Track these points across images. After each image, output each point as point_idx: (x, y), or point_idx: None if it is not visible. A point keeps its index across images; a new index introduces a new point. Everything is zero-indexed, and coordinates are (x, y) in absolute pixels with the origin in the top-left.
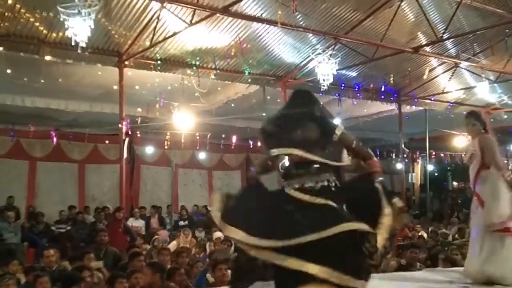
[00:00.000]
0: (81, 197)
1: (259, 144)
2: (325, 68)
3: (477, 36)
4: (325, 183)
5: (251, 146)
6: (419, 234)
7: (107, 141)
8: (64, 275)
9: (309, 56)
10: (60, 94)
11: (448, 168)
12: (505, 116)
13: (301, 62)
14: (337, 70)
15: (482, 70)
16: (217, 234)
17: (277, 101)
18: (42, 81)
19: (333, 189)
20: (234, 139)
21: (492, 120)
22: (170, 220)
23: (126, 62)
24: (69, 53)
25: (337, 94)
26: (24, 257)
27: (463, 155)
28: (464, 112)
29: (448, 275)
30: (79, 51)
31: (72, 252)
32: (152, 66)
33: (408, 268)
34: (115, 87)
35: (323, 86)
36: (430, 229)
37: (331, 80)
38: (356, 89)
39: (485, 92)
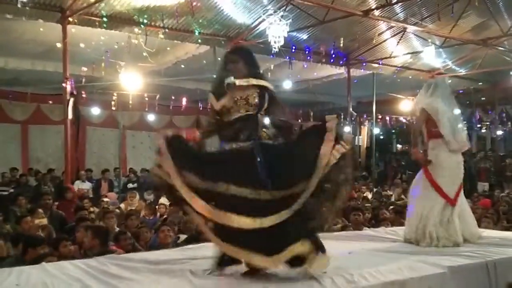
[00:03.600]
0: (25, 159)
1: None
2: (276, 29)
3: (425, 1)
4: None
5: (201, 108)
6: (364, 195)
7: (50, 101)
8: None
9: (261, 16)
10: (0, 51)
11: (393, 131)
12: (449, 81)
13: (252, 23)
14: (288, 32)
15: (429, 35)
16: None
17: None
18: None
19: None
20: (184, 100)
21: None
22: (118, 183)
23: (70, 19)
24: (8, 8)
25: (287, 57)
26: None
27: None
28: (411, 76)
29: (390, 233)
30: (19, 5)
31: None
32: (97, 23)
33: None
34: (59, 44)
35: (274, 48)
36: (374, 190)
37: (282, 42)
38: (307, 52)
39: (431, 57)
